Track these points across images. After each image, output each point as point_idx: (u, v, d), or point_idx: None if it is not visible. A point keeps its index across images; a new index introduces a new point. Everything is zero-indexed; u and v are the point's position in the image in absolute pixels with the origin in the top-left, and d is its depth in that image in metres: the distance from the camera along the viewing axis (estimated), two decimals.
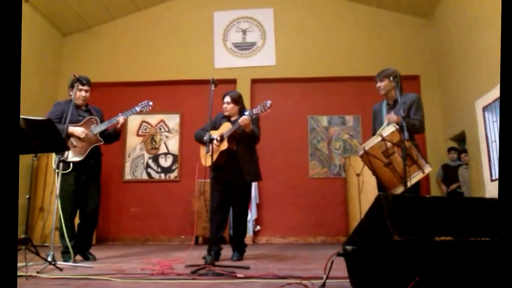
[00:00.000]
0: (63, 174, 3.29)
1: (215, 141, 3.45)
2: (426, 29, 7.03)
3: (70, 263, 3.20)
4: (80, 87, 3.60)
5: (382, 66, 3.45)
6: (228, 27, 7.29)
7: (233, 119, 3.70)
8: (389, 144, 2.85)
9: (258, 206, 6.59)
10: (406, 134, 2.79)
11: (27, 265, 2.50)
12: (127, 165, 6.98)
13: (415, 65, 6.88)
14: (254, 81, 7.07)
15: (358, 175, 5.63)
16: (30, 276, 2.45)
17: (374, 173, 3.01)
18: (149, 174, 6.95)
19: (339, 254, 1.85)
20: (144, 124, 7.13)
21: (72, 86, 3.65)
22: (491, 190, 5.10)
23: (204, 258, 3.21)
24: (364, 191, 5.44)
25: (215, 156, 3.42)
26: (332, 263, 1.83)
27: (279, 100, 6.93)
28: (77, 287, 2.20)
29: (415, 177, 2.82)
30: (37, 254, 2.83)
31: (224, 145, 3.51)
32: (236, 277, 2.46)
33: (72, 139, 3.50)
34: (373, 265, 1.71)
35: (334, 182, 6.71)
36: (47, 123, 2.84)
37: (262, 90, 7.01)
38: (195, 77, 6.97)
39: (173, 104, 7.07)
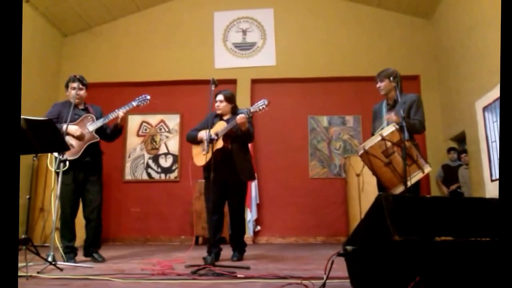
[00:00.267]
0: (57, 174, 3.27)
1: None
2: (426, 29, 7.03)
3: (70, 263, 3.20)
4: (78, 86, 3.59)
5: (382, 66, 3.46)
6: (228, 27, 7.30)
7: (225, 118, 3.67)
8: (389, 144, 2.85)
9: (258, 206, 6.59)
10: (406, 134, 2.80)
11: (28, 265, 2.50)
12: (127, 165, 6.98)
13: (415, 65, 6.88)
14: (254, 81, 7.08)
15: (358, 175, 5.63)
16: (31, 276, 2.45)
17: (374, 173, 3.01)
18: (149, 175, 6.95)
19: (339, 254, 1.85)
20: (144, 124, 7.13)
21: (67, 86, 3.65)
22: (491, 190, 5.10)
23: (204, 258, 3.21)
24: (364, 191, 5.44)
25: (209, 155, 3.37)
26: (332, 263, 1.83)
27: (279, 100, 6.94)
28: (78, 287, 2.20)
29: (415, 177, 2.82)
30: (38, 254, 2.83)
31: (219, 144, 3.47)
32: (236, 277, 2.46)
33: (67, 138, 3.48)
34: (373, 265, 1.71)
35: (334, 182, 6.71)
36: (47, 123, 2.84)
37: (262, 90, 7.00)
38: (195, 77, 6.97)
39: (173, 104, 7.07)
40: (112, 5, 7.04)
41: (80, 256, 3.56)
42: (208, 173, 3.49)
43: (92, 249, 3.57)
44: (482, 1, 5.16)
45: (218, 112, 3.71)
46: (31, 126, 2.66)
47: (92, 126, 3.56)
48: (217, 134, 3.48)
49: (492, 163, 5.17)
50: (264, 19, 7.26)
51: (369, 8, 7.13)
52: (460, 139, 6.37)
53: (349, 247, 1.82)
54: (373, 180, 3.27)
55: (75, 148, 3.46)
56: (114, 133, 3.74)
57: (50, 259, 2.92)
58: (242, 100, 6.19)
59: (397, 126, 2.87)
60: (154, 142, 7.07)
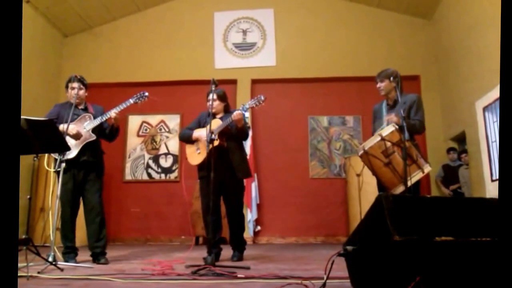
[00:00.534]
0: (58, 174, 3.26)
1: (205, 138, 3.38)
2: (426, 29, 7.03)
3: (71, 264, 3.20)
4: (78, 86, 3.57)
5: (382, 66, 3.46)
6: (229, 27, 7.30)
7: (218, 116, 3.64)
8: (388, 144, 2.85)
9: (259, 206, 6.59)
10: (406, 134, 2.80)
11: (28, 266, 2.50)
12: (128, 165, 6.99)
13: (415, 65, 6.88)
14: (254, 82, 7.08)
15: (358, 175, 5.63)
16: (31, 276, 2.45)
17: (374, 173, 3.01)
18: (149, 175, 6.96)
19: (339, 254, 1.85)
20: (144, 124, 7.14)
21: (67, 87, 3.64)
22: (492, 190, 5.10)
23: (204, 258, 3.21)
24: (364, 192, 5.44)
25: (205, 154, 3.33)
26: (332, 263, 1.83)
27: (279, 100, 6.95)
28: (78, 287, 2.20)
29: (415, 177, 2.82)
30: (38, 254, 2.82)
31: (215, 142, 3.42)
32: (236, 277, 2.46)
33: (66, 138, 3.46)
34: (373, 265, 1.71)
35: (334, 182, 6.71)
36: (48, 124, 2.84)
37: (262, 90, 6.98)
38: (195, 77, 6.97)
39: (173, 105, 7.07)
40: (112, 5, 7.05)
41: (80, 256, 3.55)
42: (203, 173, 3.46)
43: (96, 251, 3.47)
44: (482, 1, 5.16)
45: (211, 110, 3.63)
46: (32, 126, 2.66)
47: (89, 125, 3.52)
48: (212, 132, 3.41)
49: (492, 163, 5.17)
50: (264, 19, 7.27)
51: (369, 8, 7.13)
52: (460, 139, 6.37)
53: (349, 247, 1.82)
54: (373, 180, 3.27)
55: (71, 147, 3.43)
56: (111, 133, 3.71)
57: (50, 259, 2.92)
58: (242, 100, 6.19)
59: (397, 126, 2.87)
60: (154, 142, 7.07)
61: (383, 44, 6.98)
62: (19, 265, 2.39)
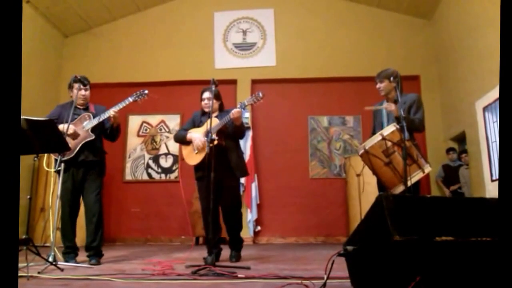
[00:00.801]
0: (58, 174, 3.26)
1: (204, 138, 3.35)
2: (426, 30, 7.03)
3: (71, 264, 3.20)
4: (81, 87, 3.57)
5: (382, 67, 3.45)
6: (229, 27, 7.30)
7: (214, 115, 3.57)
8: (389, 143, 2.85)
9: (259, 206, 6.59)
10: (406, 134, 2.80)
11: (28, 266, 2.50)
12: (128, 165, 6.99)
13: (415, 65, 6.88)
14: (254, 82, 7.08)
15: (358, 175, 5.63)
16: (31, 276, 2.46)
17: (374, 172, 3.01)
18: (149, 175, 6.96)
19: (339, 254, 1.85)
20: (144, 124, 7.14)
21: (70, 87, 3.62)
22: (492, 190, 5.10)
23: (204, 258, 3.21)
24: (365, 192, 5.44)
25: (203, 154, 3.31)
26: (332, 263, 1.83)
27: (279, 100, 6.96)
28: (78, 287, 2.20)
29: (415, 177, 2.82)
30: (38, 254, 2.82)
31: (214, 141, 3.39)
32: (237, 277, 2.46)
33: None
34: (373, 265, 1.71)
35: (334, 182, 6.71)
36: (48, 124, 2.84)
37: (262, 90, 6.84)
38: (195, 77, 6.97)
39: (173, 105, 7.07)
40: (112, 5, 7.05)
41: (80, 256, 3.55)
42: (201, 173, 3.44)
43: (90, 251, 3.46)
44: (482, 1, 5.16)
45: (207, 110, 3.57)
46: (32, 126, 2.66)
47: (88, 124, 3.50)
48: (210, 132, 3.37)
49: (492, 163, 5.17)
50: (264, 19, 7.27)
51: (369, 8, 7.13)
52: (460, 139, 6.37)
53: (349, 247, 1.82)
54: (373, 180, 3.27)
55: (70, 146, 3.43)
56: (112, 132, 3.69)
57: (50, 259, 2.92)
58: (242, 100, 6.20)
59: (398, 126, 2.88)
60: (155, 142, 7.07)
61: (383, 44, 6.98)
62: (19, 265, 2.39)
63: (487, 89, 5.07)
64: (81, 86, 3.57)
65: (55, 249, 3.09)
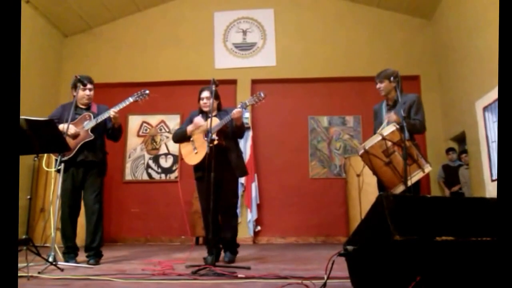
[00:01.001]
0: (58, 173, 3.25)
1: (203, 137, 3.33)
2: (426, 30, 7.03)
3: (71, 264, 3.20)
4: (88, 86, 3.56)
5: (382, 67, 3.46)
6: (229, 27, 7.30)
7: (213, 114, 3.52)
8: (389, 143, 2.85)
9: (259, 206, 6.59)
10: (406, 134, 2.80)
11: (28, 266, 2.50)
12: (128, 165, 6.99)
13: (415, 65, 6.88)
14: (254, 82, 7.08)
15: (358, 175, 5.63)
16: (31, 276, 2.45)
17: (374, 172, 3.01)
18: (149, 175, 6.96)
19: (340, 254, 1.85)
20: (144, 124, 7.14)
21: (74, 87, 3.60)
22: (492, 190, 5.09)
23: (204, 258, 3.21)
24: (365, 192, 5.44)
25: (203, 154, 3.28)
26: (333, 263, 1.83)
27: (279, 100, 6.95)
28: (78, 287, 2.20)
29: (415, 176, 2.82)
30: (38, 254, 2.82)
31: (214, 141, 3.36)
32: (237, 278, 2.46)
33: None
34: (374, 265, 1.71)
35: (334, 182, 6.71)
36: (48, 124, 2.84)
37: (262, 90, 6.98)
38: (195, 77, 6.97)
39: (173, 105, 7.07)
40: (112, 5, 7.05)
41: (81, 256, 3.55)
42: (200, 173, 3.42)
43: (89, 252, 3.45)
44: (482, 1, 5.15)
45: (205, 109, 3.55)
46: (32, 126, 2.66)
47: (88, 124, 3.49)
48: (210, 131, 3.30)
49: (492, 163, 5.16)
50: (264, 19, 7.27)
51: (369, 8, 7.13)
52: (460, 139, 6.37)
53: (349, 247, 1.82)
54: (373, 180, 3.27)
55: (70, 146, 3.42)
56: (113, 133, 3.68)
57: (50, 259, 2.91)
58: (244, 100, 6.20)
59: (398, 126, 2.88)
60: (155, 142, 7.07)
61: (383, 44, 6.99)
62: (19, 265, 2.39)
63: (487, 89, 5.07)
64: (87, 86, 3.57)
65: (56, 248, 3.09)
